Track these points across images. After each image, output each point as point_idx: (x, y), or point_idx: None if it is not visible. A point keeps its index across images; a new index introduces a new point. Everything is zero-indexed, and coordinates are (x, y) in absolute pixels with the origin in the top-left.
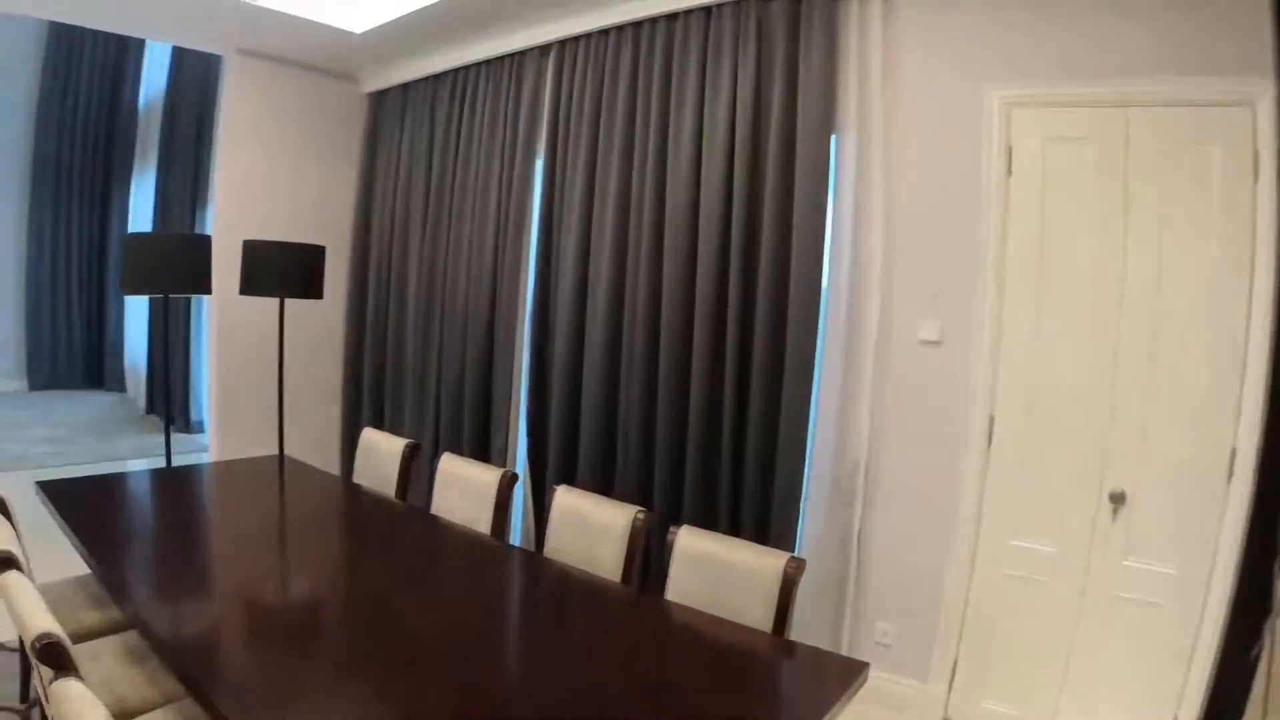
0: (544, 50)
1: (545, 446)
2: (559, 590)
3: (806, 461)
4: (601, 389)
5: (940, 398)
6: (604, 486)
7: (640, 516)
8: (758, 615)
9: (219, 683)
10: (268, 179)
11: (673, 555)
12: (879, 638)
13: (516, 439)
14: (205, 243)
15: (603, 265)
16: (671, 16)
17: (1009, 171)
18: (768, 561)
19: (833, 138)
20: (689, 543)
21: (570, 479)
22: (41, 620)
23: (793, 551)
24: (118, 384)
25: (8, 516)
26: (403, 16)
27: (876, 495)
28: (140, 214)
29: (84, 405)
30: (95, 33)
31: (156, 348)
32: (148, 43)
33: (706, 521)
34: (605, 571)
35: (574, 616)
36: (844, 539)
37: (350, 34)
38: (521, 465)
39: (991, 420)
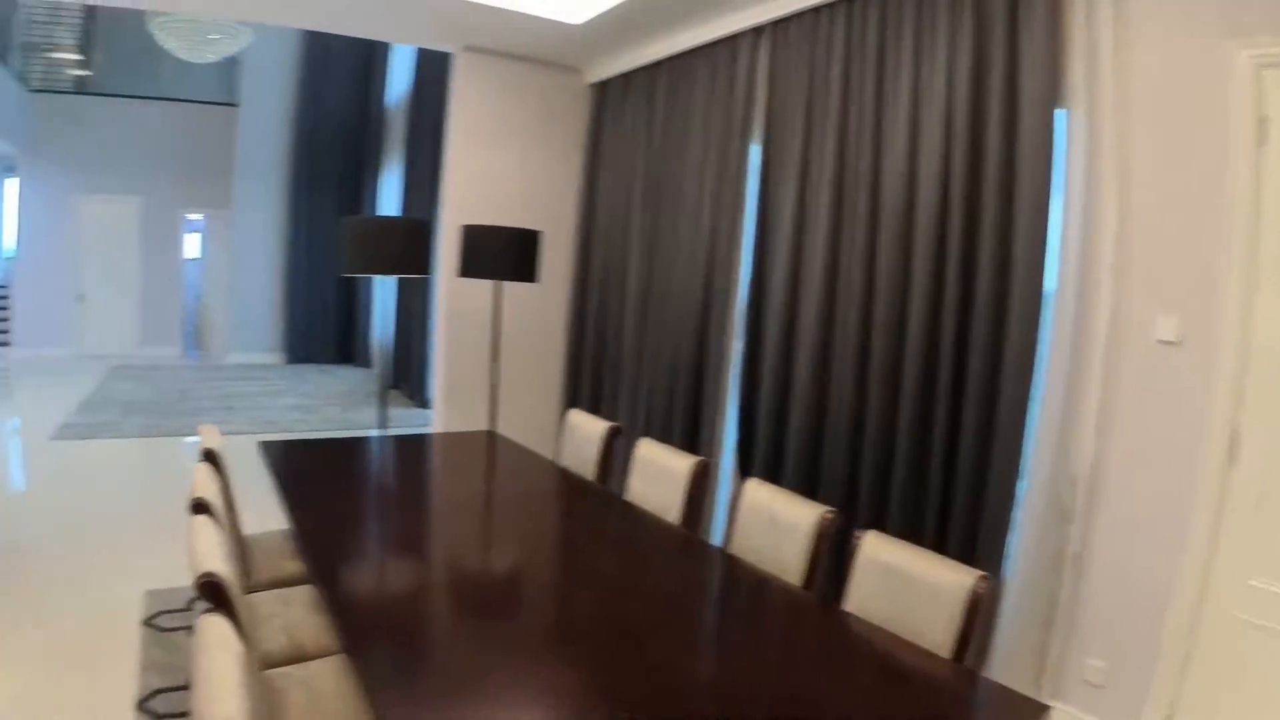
0: (758, 32)
1: (753, 442)
2: (730, 586)
3: (1022, 472)
4: (810, 385)
5: (1175, 407)
6: (808, 488)
7: (828, 516)
8: (937, 638)
9: (368, 644)
10: (494, 168)
11: (855, 561)
12: (1088, 676)
13: (724, 431)
14: (423, 226)
15: (816, 252)
16: None
17: (1261, 143)
18: (954, 578)
19: (1058, 113)
20: (874, 549)
21: (776, 478)
22: (211, 562)
23: (999, 571)
24: (366, 360)
25: (218, 469)
26: (618, 5)
27: (1098, 515)
28: (388, 202)
29: (333, 378)
30: (346, 36)
31: (399, 328)
32: (393, 44)
33: (912, 529)
34: (788, 571)
35: (738, 614)
36: (1056, 561)
37: (570, 26)
38: (729, 459)
39: (1235, 435)
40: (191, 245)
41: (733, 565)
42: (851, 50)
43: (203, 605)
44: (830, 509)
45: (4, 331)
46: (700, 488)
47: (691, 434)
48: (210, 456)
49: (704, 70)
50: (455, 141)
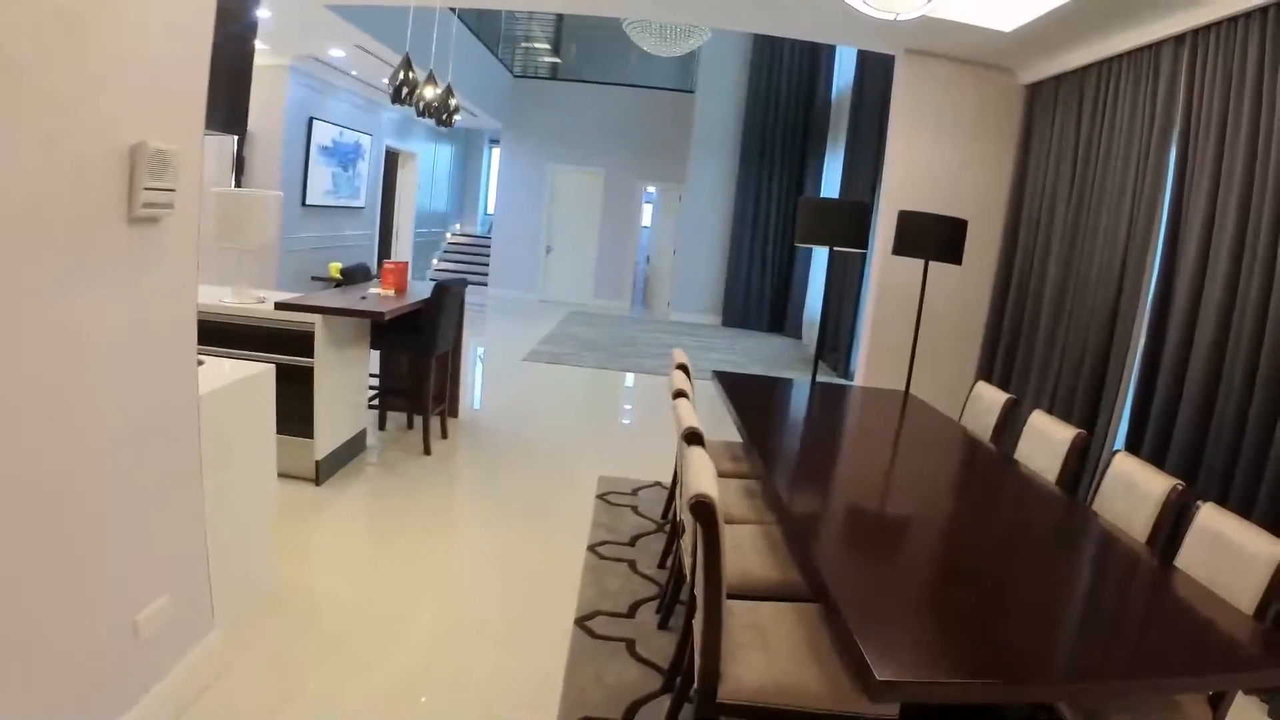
0: (1179, 40)
1: (1145, 428)
2: (1083, 537)
3: None
4: (1203, 381)
5: None
6: (1188, 476)
7: (1177, 489)
8: (1244, 601)
9: (793, 508)
10: (929, 159)
11: (1191, 528)
12: None
13: (1122, 415)
14: (864, 208)
15: (1222, 254)
16: None
17: None
18: (1265, 548)
19: None
20: (1207, 519)
21: (1160, 463)
22: (705, 485)
23: None
24: (795, 331)
25: (688, 375)
26: (1046, 14)
27: None
28: (829, 186)
29: (763, 344)
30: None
31: (831, 302)
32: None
33: (1277, 527)
34: (1136, 533)
35: (1081, 562)
36: None
37: (1001, 33)
38: (1120, 443)
39: None
40: (645, 214)
41: (1089, 519)
42: (1265, 57)
43: (695, 503)
44: (1180, 483)
45: (484, 274)
46: (1077, 456)
47: (1090, 416)
48: (683, 368)
49: (1128, 75)
50: (895, 134)
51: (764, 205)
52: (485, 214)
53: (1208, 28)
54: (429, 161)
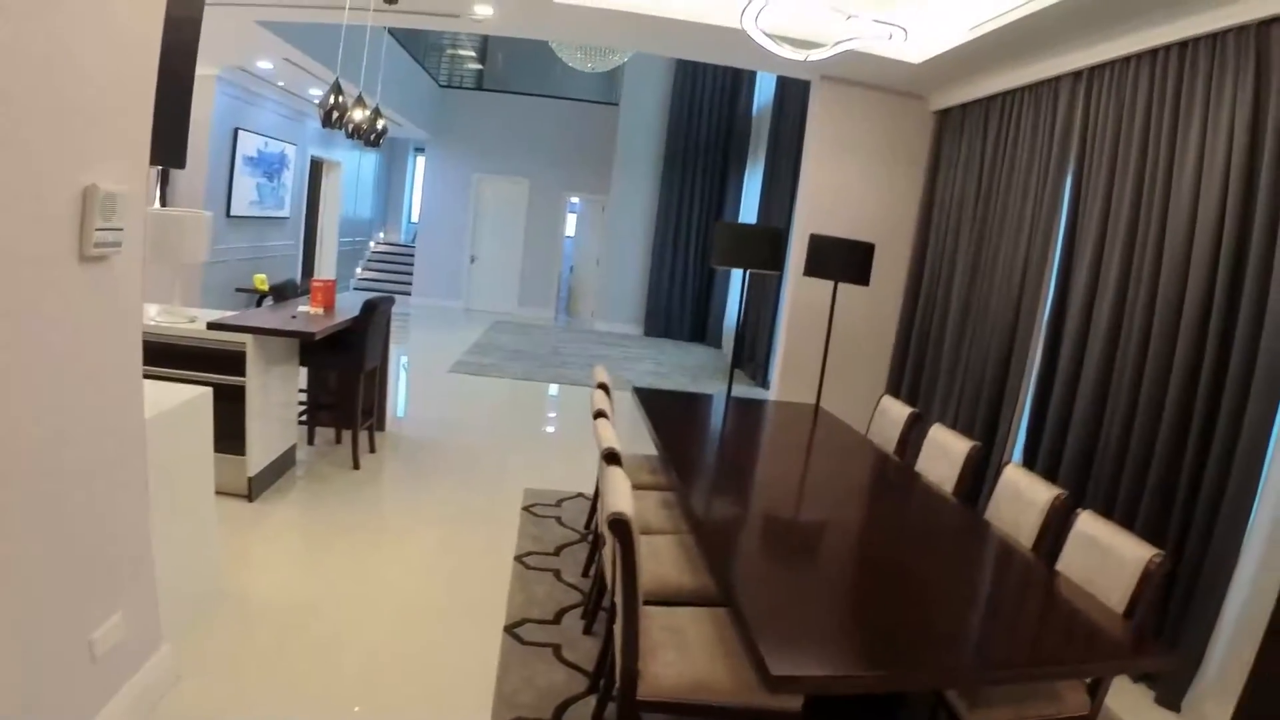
0: (1076, 76)
1: (1039, 442)
2: (973, 543)
3: (1256, 495)
4: (1091, 401)
5: None
6: (1079, 490)
7: (1060, 498)
8: (1115, 600)
9: (703, 518)
10: (842, 183)
11: (1070, 534)
12: None
13: (1019, 430)
14: (777, 234)
15: (1109, 281)
16: (1183, 44)
17: None
18: (1136, 552)
19: None
20: (1084, 525)
21: (1053, 475)
22: (621, 503)
23: (1227, 583)
24: (716, 341)
25: (608, 394)
26: (954, 48)
27: None
28: (749, 202)
29: (685, 353)
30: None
31: (749, 315)
32: None
33: (1157, 532)
34: (1023, 538)
35: (968, 557)
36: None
37: (911, 63)
38: (1018, 456)
39: None
40: (570, 224)
41: (980, 526)
42: (1153, 97)
43: (612, 520)
44: (1063, 492)
45: (408, 283)
46: (973, 467)
47: (991, 429)
48: (603, 387)
49: (1029, 106)
50: (810, 158)
51: (686, 218)
52: (410, 222)
53: (1101, 66)
54: (353, 170)
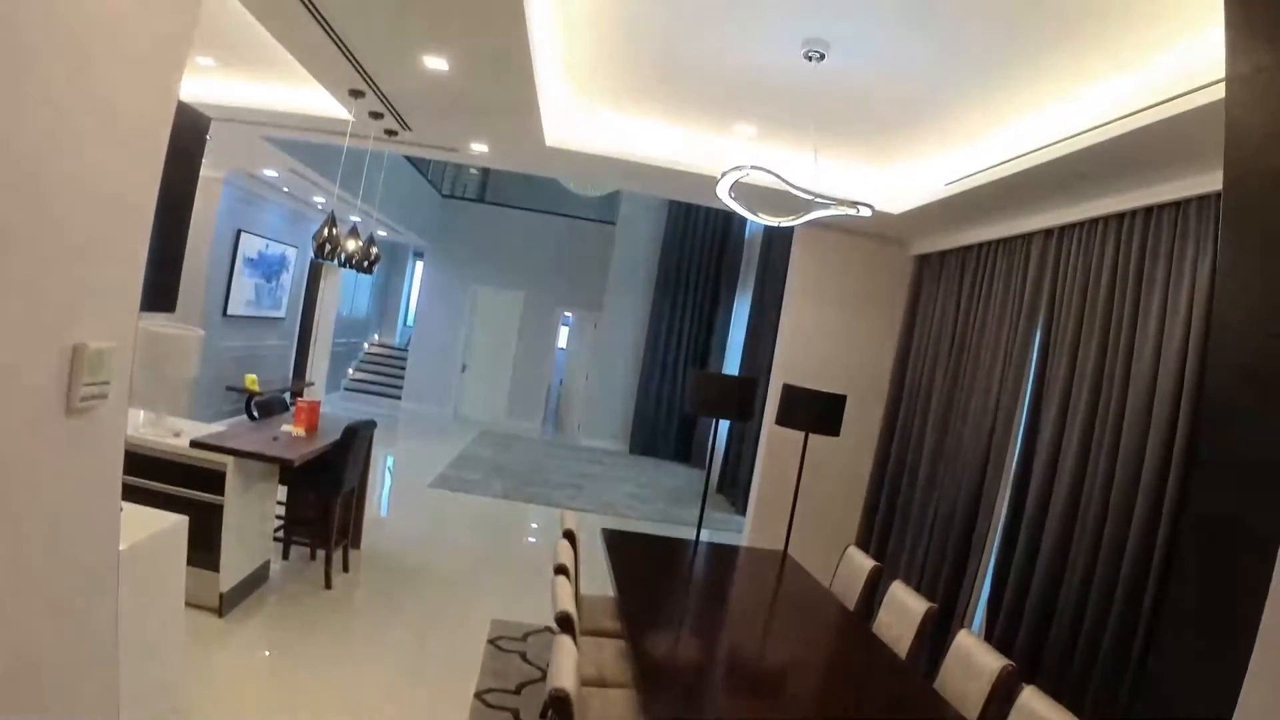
0: (1047, 234)
1: (1002, 598)
2: (920, 709)
3: None
4: (1053, 559)
5: None
6: (1036, 651)
7: (1009, 669)
8: None
9: (654, 686)
10: (821, 331)
11: (1014, 708)
12: None
13: (984, 587)
14: (751, 384)
15: (1073, 440)
16: (1148, 210)
17: None
18: None
19: None
20: (1027, 701)
21: (1012, 635)
22: (565, 680)
23: None
24: (700, 461)
25: (574, 543)
26: (930, 203)
27: None
28: (738, 323)
29: (668, 474)
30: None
31: (731, 440)
32: None
33: (1106, 703)
34: (969, 707)
35: None
36: None
37: (890, 214)
38: (981, 608)
39: None
40: (561, 336)
41: (925, 693)
42: (1119, 258)
43: (553, 697)
44: (1010, 664)
45: (399, 387)
46: (927, 629)
47: (955, 581)
48: (569, 535)
49: (1003, 258)
50: (790, 304)
51: (676, 337)
52: (405, 324)
53: (1071, 226)
54: (352, 272)
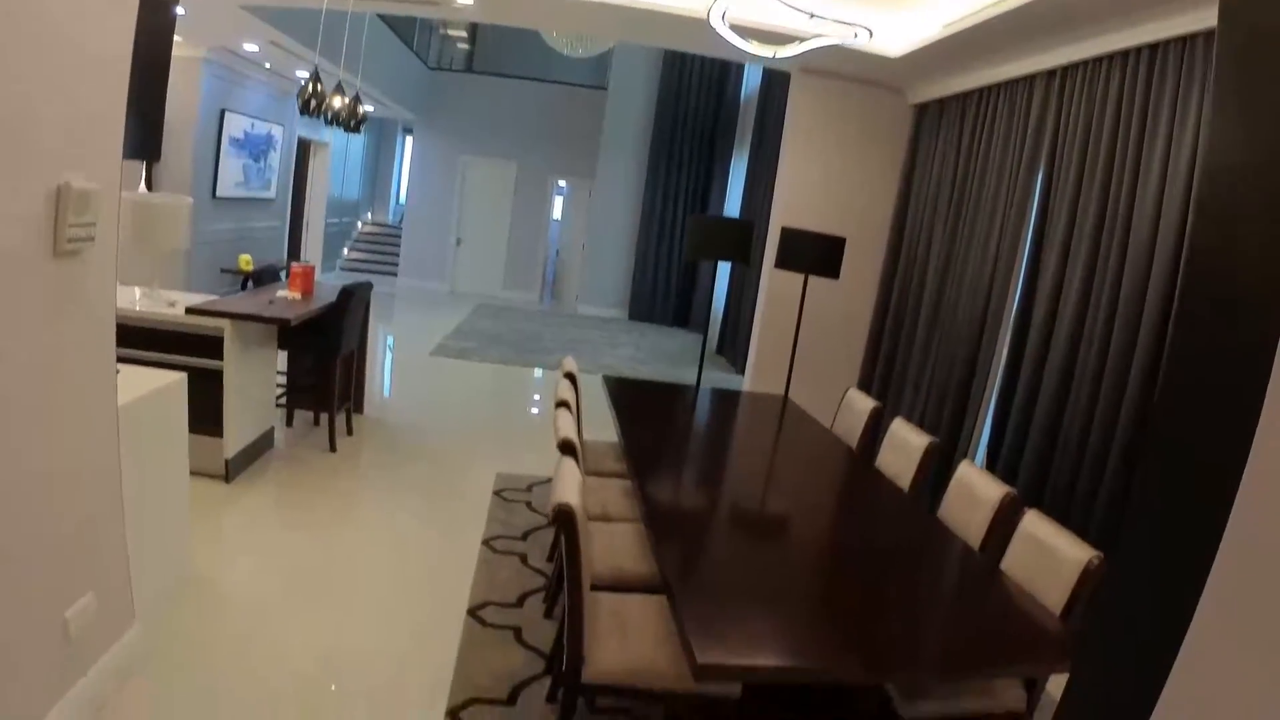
0: (1050, 75)
1: (1002, 441)
2: (920, 540)
3: None
4: (1053, 399)
5: None
6: (1039, 485)
7: (1009, 496)
8: (1053, 600)
9: (660, 517)
10: (820, 177)
11: (1016, 533)
12: None
13: (983, 430)
14: (749, 227)
15: (1075, 280)
16: (1153, 47)
17: None
18: (1075, 553)
19: None
20: (1029, 525)
21: (1014, 471)
22: (569, 495)
23: None
24: (699, 326)
25: (575, 385)
26: (929, 44)
27: None
28: (734, 187)
29: (667, 338)
30: None
31: (730, 301)
32: None
33: (1112, 529)
34: (972, 535)
35: (913, 554)
36: None
37: (889, 57)
38: (982, 450)
39: None
40: (556, 207)
41: (929, 523)
42: (1123, 99)
43: (557, 510)
44: (1012, 490)
45: (394, 264)
46: (929, 463)
47: (956, 426)
48: (570, 377)
49: (1005, 103)
50: (787, 151)
51: (672, 203)
52: (397, 203)
53: (1074, 66)
54: (341, 151)
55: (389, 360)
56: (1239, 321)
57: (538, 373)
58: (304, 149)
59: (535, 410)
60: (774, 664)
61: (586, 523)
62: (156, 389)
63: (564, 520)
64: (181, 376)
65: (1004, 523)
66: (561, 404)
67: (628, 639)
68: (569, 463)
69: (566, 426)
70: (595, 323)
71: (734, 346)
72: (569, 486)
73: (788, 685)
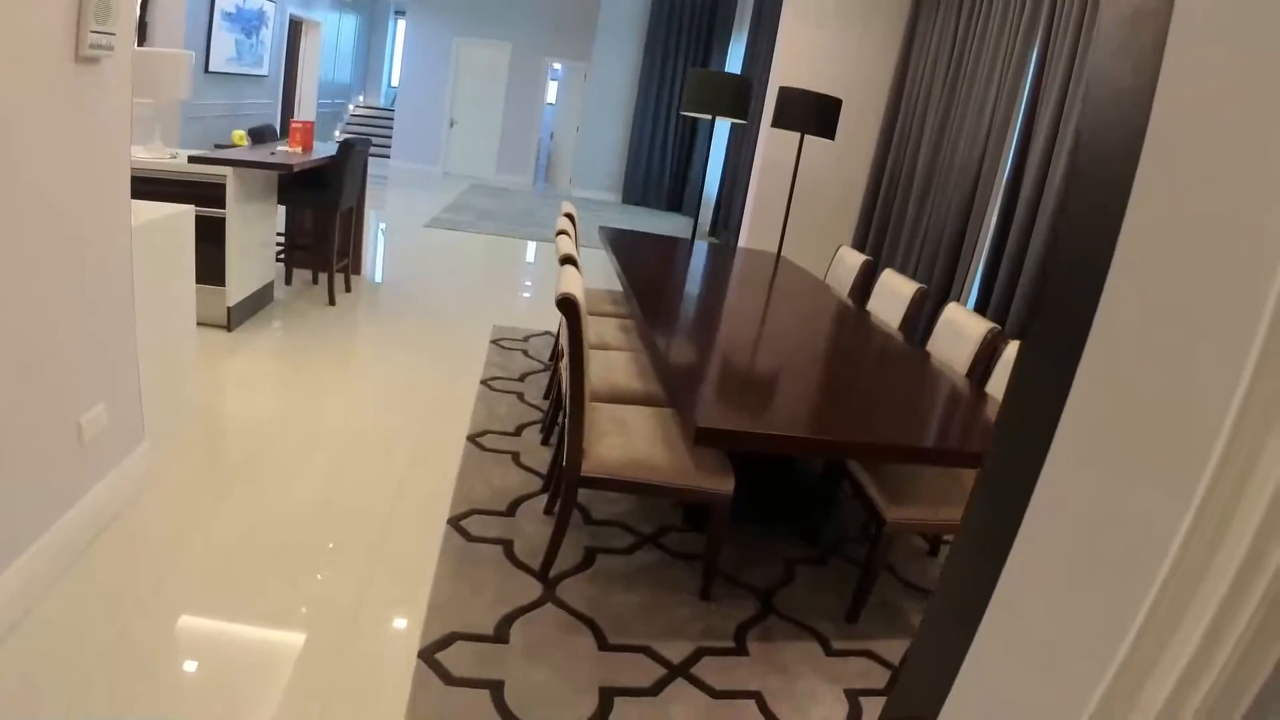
0: None
1: (991, 292)
2: (906, 362)
3: None
4: (1044, 252)
5: None
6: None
7: (994, 331)
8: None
9: (660, 329)
10: (818, 43)
11: (999, 362)
12: None
13: (974, 281)
14: (746, 82)
15: (1063, 155)
16: None
17: None
18: (978, 327)
19: None
20: (1014, 355)
21: (1003, 316)
22: (571, 288)
23: None
24: (692, 209)
25: (574, 224)
26: None
27: None
28: (732, 68)
29: (659, 220)
30: None
31: (724, 183)
32: None
33: None
34: (958, 367)
35: (901, 374)
36: None
37: None
38: (971, 304)
39: None
40: (551, 91)
41: (917, 353)
42: None
43: (560, 299)
44: (997, 326)
45: (387, 146)
46: (917, 309)
47: (945, 287)
48: (570, 218)
49: None
50: (787, 19)
51: (668, 86)
52: (389, 87)
53: None
54: (333, 32)
55: (384, 232)
56: None
57: (526, 247)
58: (295, 28)
59: (530, 276)
60: (763, 431)
61: (587, 316)
62: (166, 215)
63: (568, 308)
64: (189, 207)
65: (988, 355)
66: (562, 232)
67: (628, 437)
68: (570, 269)
69: (567, 245)
70: (589, 204)
71: (727, 228)
72: (572, 283)
73: (777, 488)
